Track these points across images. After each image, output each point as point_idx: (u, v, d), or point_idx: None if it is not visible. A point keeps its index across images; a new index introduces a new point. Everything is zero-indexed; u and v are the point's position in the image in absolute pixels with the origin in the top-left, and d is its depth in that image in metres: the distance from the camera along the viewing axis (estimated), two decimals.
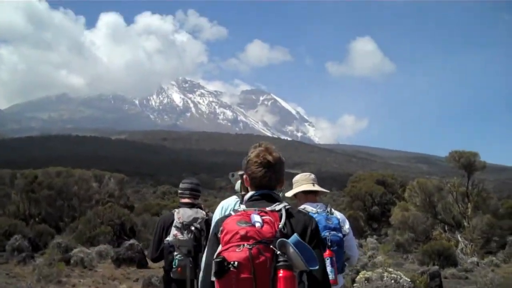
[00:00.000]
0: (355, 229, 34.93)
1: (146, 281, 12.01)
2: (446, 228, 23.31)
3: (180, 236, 5.04)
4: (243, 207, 2.77)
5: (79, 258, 15.81)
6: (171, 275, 5.04)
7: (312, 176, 4.87)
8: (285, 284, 2.42)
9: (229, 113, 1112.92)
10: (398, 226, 24.95)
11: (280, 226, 2.58)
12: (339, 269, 4.42)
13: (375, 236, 30.71)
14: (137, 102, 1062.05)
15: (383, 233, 33.07)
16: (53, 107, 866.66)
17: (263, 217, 2.59)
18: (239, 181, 3.99)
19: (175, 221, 5.12)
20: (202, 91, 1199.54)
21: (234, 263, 2.41)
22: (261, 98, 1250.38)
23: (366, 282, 9.27)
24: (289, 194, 4.55)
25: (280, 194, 3.41)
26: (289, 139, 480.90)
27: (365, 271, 10.48)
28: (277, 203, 2.74)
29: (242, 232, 2.49)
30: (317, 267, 2.56)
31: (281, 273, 2.43)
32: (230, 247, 2.48)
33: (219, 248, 2.54)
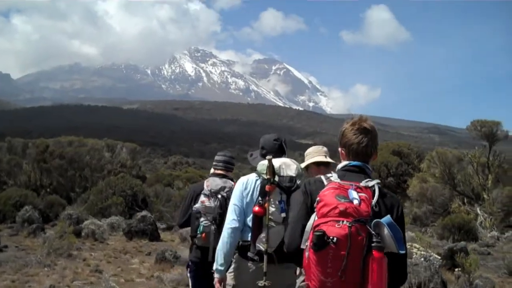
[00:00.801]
0: None
1: (159, 256, 11.57)
2: (465, 200, 22.65)
3: (207, 203, 5.08)
4: (335, 177, 2.78)
5: (90, 231, 15.44)
6: (196, 241, 5.15)
7: (325, 148, 4.94)
8: (378, 265, 2.45)
9: (241, 83, 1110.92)
10: (416, 198, 24.31)
11: (372, 204, 2.59)
12: None
13: None
14: (149, 71, 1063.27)
15: None
16: (65, 76, 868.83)
17: (360, 194, 2.60)
18: (261, 162, 3.94)
19: (204, 189, 5.18)
20: (214, 60, 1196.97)
21: (333, 238, 2.43)
22: (274, 68, 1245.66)
23: None
24: (301, 165, 4.41)
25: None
26: (301, 109, 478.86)
27: None
28: (369, 179, 2.74)
29: (341, 208, 2.49)
30: (405, 251, 2.60)
31: (375, 254, 2.46)
32: (329, 221, 2.48)
33: (315, 219, 2.58)
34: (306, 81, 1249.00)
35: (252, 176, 3.98)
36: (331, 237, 2.42)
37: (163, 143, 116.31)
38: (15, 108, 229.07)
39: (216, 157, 5.53)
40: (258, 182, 3.87)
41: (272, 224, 3.71)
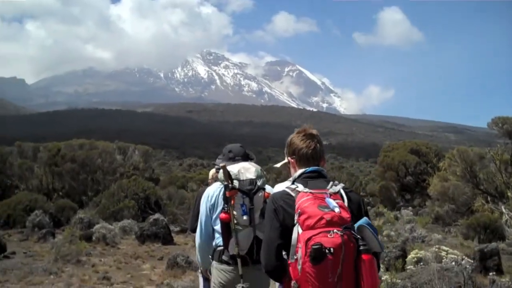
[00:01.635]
0: (387, 200, 33.85)
1: (170, 261, 11.01)
2: (488, 199, 21.83)
3: None
4: (302, 187, 2.80)
5: (101, 235, 15.00)
6: None
7: None
8: (370, 266, 2.57)
9: (254, 85, 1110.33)
10: (437, 198, 23.53)
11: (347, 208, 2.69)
12: None
13: (410, 208, 29.43)
14: (162, 75, 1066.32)
15: (416, 204, 31.72)
16: (79, 81, 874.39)
17: (336, 201, 2.67)
18: (221, 170, 4.03)
19: None
20: (227, 63, 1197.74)
21: (330, 249, 2.49)
22: (286, 69, 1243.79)
23: (421, 264, 8.04)
24: (278, 165, 4.37)
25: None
26: (314, 110, 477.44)
27: (417, 250, 9.24)
28: (332, 183, 2.83)
29: (327, 217, 2.57)
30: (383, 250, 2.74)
31: (365, 257, 2.56)
32: (319, 232, 2.53)
33: (299, 233, 2.61)
34: (319, 83, 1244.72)
35: (216, 185, 4.13)
36: (328, 248, 2.49)
37: (177, 145, 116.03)
38: (30, 113, 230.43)
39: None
40: (223, 189, 3.98)
41: (239, 227, 3.85)
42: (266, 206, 3.00)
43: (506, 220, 19.71)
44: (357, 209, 2.78)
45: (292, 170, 3.05)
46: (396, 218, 24.55)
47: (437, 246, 9.16)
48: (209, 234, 4.05)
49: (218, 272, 3.98)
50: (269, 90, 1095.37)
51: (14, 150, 28.10)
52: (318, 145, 2.97)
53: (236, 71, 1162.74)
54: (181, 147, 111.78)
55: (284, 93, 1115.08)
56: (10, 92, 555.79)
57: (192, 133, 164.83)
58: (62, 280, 9.60)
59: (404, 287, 7.50)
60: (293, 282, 2.66)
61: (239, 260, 3.81)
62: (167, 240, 15.79)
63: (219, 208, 3.97)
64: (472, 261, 8.17)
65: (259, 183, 3.95)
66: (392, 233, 17.41)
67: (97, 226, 15.77)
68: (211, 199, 4.06)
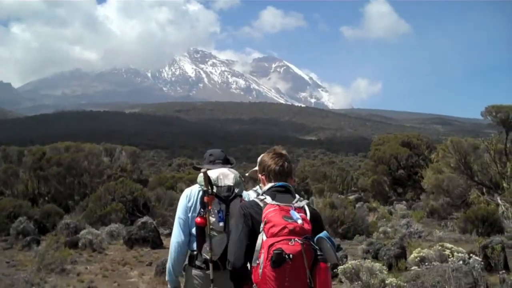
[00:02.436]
0: (379, 194, 33.40)
1: (159, 268, 10.46)
2: (484, 190, 21.42)
3: None
4: (269, 199, 3.09)
5: (87, 240, 14.41)
6: None
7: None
8: (325, 274, 2.86)
9: (241, 82, 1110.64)
10: (431, 191, 23.10)
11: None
12: None
13: (403, 202, 29.03)
14: (149, 74, 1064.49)
15: (409, 198, 31.34)
16: (66, 83, 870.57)
17: (300, 214, 2.98)
18: (200, 174, 4.04)
19: None
20: (214, 60, 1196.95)
21: (289, 255, 2.75)
22: (274, 65, 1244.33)
23: (425, 263, 7.54)
24: (247, 173, 4.87)
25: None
26: (302, 105, 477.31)
27: (419, 248, 8.74)
28: (298, 199, 3.15)
29: (290, 227, 2.84)
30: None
31: (322, 265, 2.86)
32: (281, 240, 2.79)
33: (263, 239, 2.88)
34: (306, 78, 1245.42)
35: (195, 188, 4.08)
36: (288, 254, 2.74)
37: (166, 145, 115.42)
38: (18, 117, 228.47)
39: None
40: (201, 193, 3.98)
41: (214, 233, 3.89)
42: (236, 212, 3.25)
43: (503, 212, 19.34)
44: (316, 222, 3.04)
45: (262, 185, 3.34)
46: (390, 213, 24.15)
47: (440, 243, 8.67)
48: (188, 234, 4.01)
49: (190, 276, 4.01)
50: (257, 87, 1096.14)
51: None
52: (286, 163, 3.25)
53: (223, 68, 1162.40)
54: (170, 147, 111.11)
55: (272, 89, 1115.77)
56: None
57: (181, 133, 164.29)
58: None
59: None
60: (253, 286, 2.88)
61: (211, 265, 3.85)
62: (156, 244, 15.25)
63: (196, 212, 3.97)
64: (480, 259, 7.68)
65: (236, 190, 4.03)
66: (389, 229, 17.01)
67: (83, 232, 15.19)
68: (189, 200, 4.05)
